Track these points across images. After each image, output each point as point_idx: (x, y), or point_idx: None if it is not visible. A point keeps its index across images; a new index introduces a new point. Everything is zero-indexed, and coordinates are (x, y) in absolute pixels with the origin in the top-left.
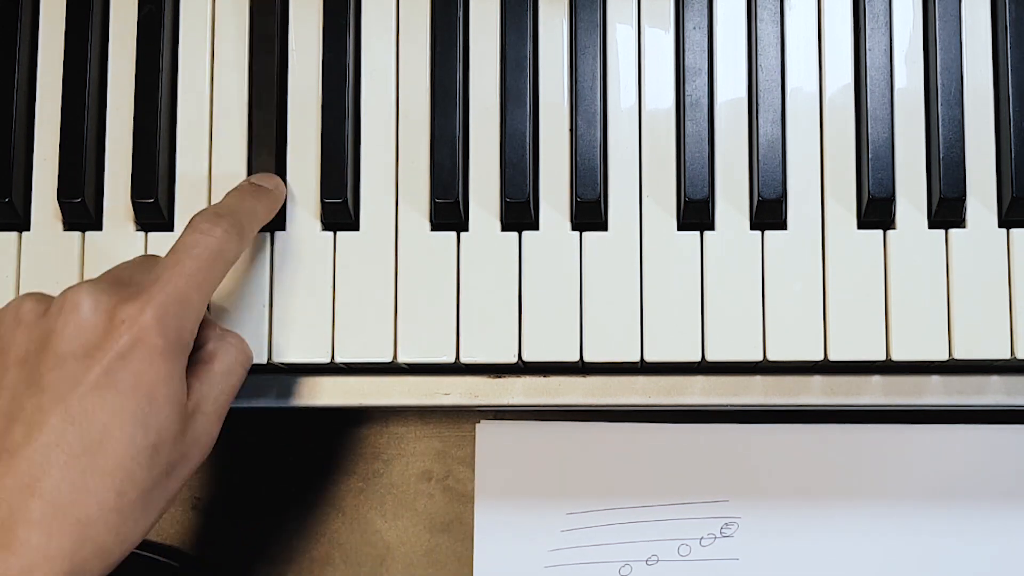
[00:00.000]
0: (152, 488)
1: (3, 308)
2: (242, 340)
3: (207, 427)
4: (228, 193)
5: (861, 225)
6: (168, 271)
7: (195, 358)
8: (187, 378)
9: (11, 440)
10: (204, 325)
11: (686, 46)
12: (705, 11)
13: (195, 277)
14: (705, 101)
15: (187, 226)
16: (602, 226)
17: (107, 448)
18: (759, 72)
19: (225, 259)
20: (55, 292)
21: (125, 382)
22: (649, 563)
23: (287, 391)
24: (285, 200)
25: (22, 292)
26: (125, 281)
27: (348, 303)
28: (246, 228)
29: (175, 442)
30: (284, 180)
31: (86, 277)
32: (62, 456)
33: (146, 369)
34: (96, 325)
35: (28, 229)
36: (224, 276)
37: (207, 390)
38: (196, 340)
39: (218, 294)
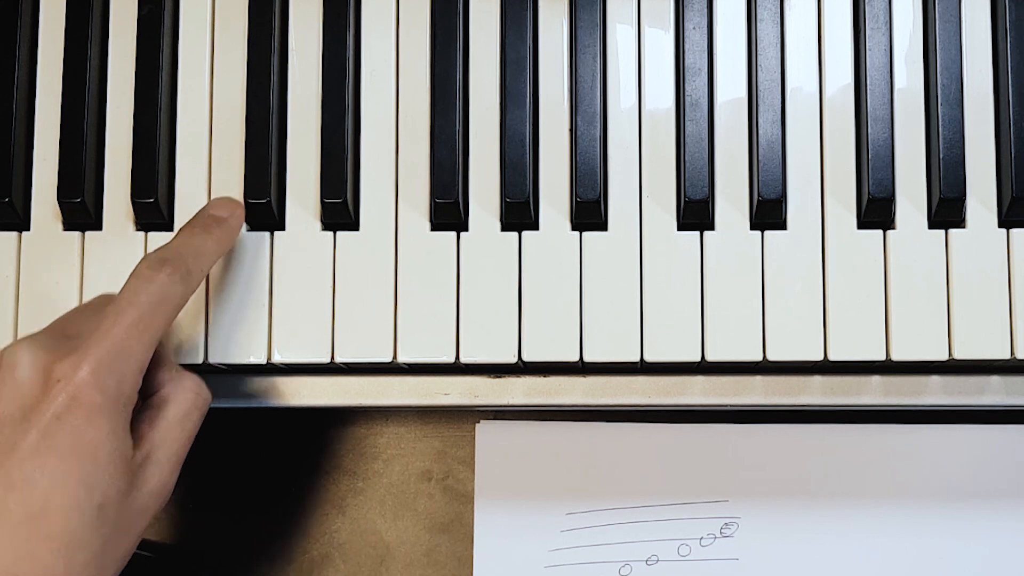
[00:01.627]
0: (103, 548)
1: None
2: (199, 383)
3: (161, 476)
4: (181, 228)
5: (861, 225)
6: (107, 321)
7: (148, 403)
8: (139, 425)
9: None
10: (158, 366)
11: (686, 46)
12: (705, 11)
13: (136, 326)
14: (705, 101)
15: (131, 273)
16: (602, 226)
17: (51, 513)
18: (759, 72)
19: (170, 304)
20: (54, 292)
21: (64, 444)
22: (649, 563)
23: (287, 391)
24: (285, 200)
25: (22, 292)
26: (70, 333)
27: (348, 303)
28: (193, 270)
29: (123, 498)
30: (284, 180)
31: (86, 277)
32: (4, 524)
33: (85, 428)
34: (32, 385)
35: (28, 229)
36: (171, 321)
37: (160, 438)
38: (150, 383)
39: (218, 294)
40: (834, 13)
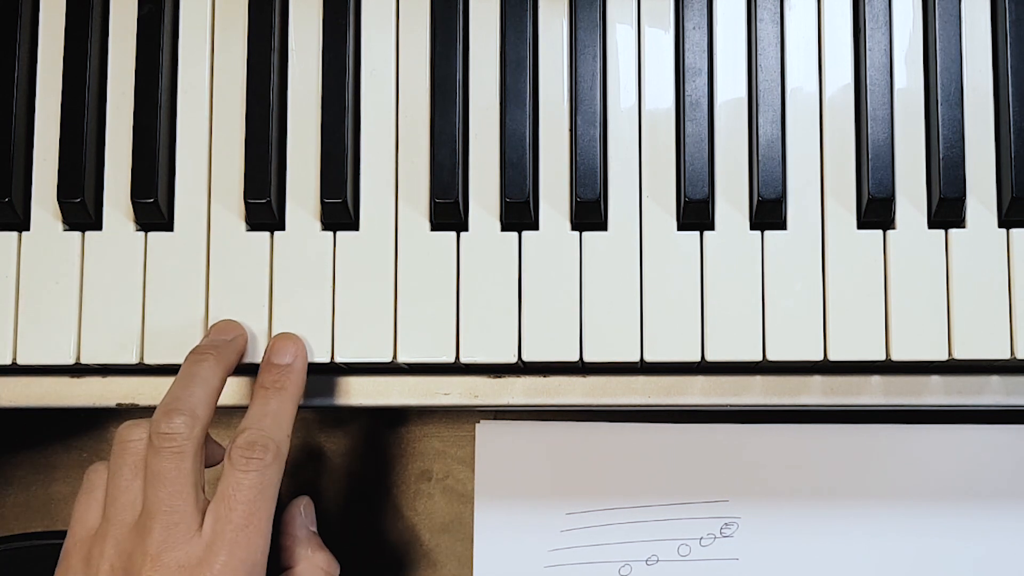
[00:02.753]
0: None
1: None
2: (330, 561)
3: None
4: (254, 391)
5: (861, 225)
6: (222, 528)
7: None
8: None
9: None
10: (296, 542)
11: (686, 46)
12: (705, 11)
13: (246, 528)
14: (705, 101)
15: (226, 456)
16: (602, 226)
17: None
18: (759, 72)
19: (270, 487)
20: (54, 292)
21: None
22: (649, 563)
23: None
24: (285, 200)
25: (22, 292)
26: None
27: (348, 303)
28: (280, 443)
29: None
30: (284, 180)
31: (86, 277)
32: None
33: None
34: None
35: (28, 229)
36: (275, 498)
37: None
38: (287, 555)
39: (218, 294)
40: (834, 13)
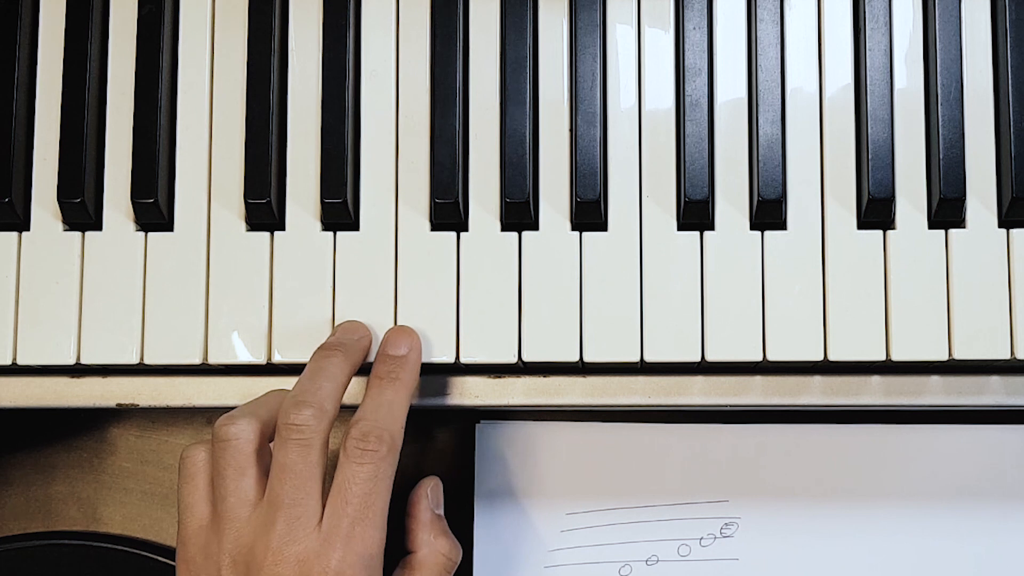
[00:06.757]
0: None
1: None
2: (452, 546)
3: None
4: (368, 383)
5: (861, 225)
6: (338, 521)
7: (404, 562)
8: None
9: None
10: (420, 525)
11: (686, 46)
12: (705, 11)
13: (362, 521)
14: (705, 101)
15: (342, 449)
16: (602, 226)
17: None
18: (759, 72)
19: (386, 478)
20: (54, 292)
21: None
22: (649, 563)
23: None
24: (285, 200)
25: (22, 292)
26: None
27: (348, 303)
28: (395, 434)
29: None
30: (284, 180)
31: (86, 277)
32: None
33: None
34: None
35: (28, 229)
36: (391, 487)
37: None
38: (411, 539)
39: (218, 294)
40: (834, 13)
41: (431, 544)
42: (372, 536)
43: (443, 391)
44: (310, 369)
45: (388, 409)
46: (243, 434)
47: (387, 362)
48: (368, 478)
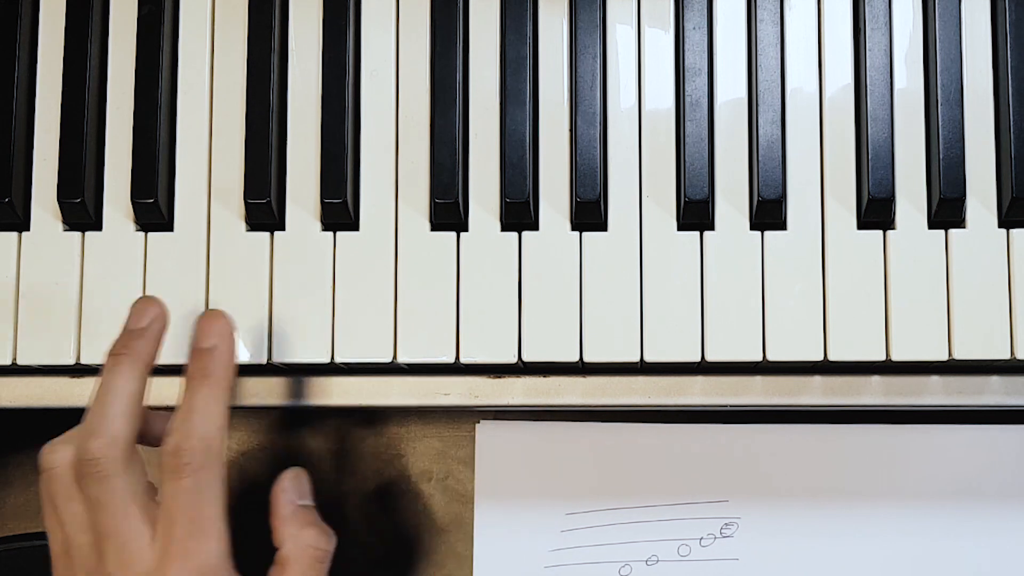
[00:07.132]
0: None
1: None
2: (317, 536)
3: None
4: (185, 380)
5: (861, 225)
6: (169, 547)
7: (274, 559)
8: None
9: None
10: (282, 522)
11: (686, 46)
12: (705, 11)
13: (187, 540)
14: (705, 101)
15: (161, 468)
16: (602, 226)
17: None
18: (759, 72)
19: (212, 490)
20: (54, 292)
21: None
22: (649, 563)
23: (287, 391)
24: (285, 200)
25: (22, 292)
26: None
27: (348, 303)
28: (212, 446)
29: None
30: (284, 180)
31: (86, 277)
32: None
33: None
34: None
35: (28, 229)
36: (225, 487)
37: None
38: (276, 538)
39: (218, 294)
40: (834, 13)
41: (295, 537)
42: (208, 547)
43: (444, 391)
44: (98, 389)
45: (201, 414)
46: (59, 461)
47: (197, 358)
48: (189, 491)
